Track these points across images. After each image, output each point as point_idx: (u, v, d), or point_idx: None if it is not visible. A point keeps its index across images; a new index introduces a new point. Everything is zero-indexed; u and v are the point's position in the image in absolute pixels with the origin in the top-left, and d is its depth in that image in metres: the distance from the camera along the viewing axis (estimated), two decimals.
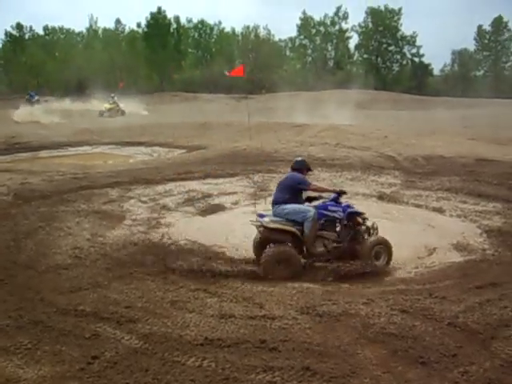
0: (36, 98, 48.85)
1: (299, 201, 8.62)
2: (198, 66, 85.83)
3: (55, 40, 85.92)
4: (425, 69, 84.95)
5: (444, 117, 31.00)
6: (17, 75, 73.09)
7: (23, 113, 40.80)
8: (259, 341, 5.49)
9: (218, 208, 12.50)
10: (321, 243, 8.52)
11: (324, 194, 9.11)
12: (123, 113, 42.98)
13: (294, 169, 8.95)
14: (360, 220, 8.81)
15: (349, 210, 8.75)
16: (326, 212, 8.61)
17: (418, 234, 10.44)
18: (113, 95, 44.72)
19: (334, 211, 8.66)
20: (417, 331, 5.75)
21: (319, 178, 15.33)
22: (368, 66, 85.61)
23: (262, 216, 8.55)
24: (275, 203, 8.58)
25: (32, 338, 5.59)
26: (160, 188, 14.10)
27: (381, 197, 13.60)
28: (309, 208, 8.50)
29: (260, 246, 8.52)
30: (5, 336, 5.68)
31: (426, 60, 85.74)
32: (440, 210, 12.30)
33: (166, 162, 19.05)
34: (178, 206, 12.51)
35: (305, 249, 8.51)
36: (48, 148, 25.87)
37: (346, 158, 18.18)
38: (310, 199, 8.94)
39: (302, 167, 8.91)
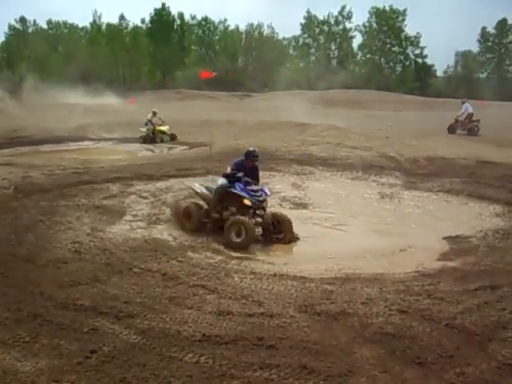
0: None
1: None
2: (201, 63, 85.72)
3: (59, 34, 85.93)
4: (428, 70, 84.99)
5: (446, 118, 30.82)
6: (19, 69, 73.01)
7: None
8: (257, 338, 5.51)
9: None
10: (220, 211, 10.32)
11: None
12: (174, 137, 27.25)
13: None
14: (247, 202, 9.92)
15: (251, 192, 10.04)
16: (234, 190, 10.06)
17: (417, 235, 10.44)
18: (155, 110, 28.04)
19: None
20: (414, 332, 5.77)
21: (320, 177, 15.37)
22: (371, 66, 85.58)
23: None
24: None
25: (30, 332, 5.62)
26: (161, 184, 14.10)
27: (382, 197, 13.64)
28: (222, 182, 10.24)
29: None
30: (3, 329, 5.71)
31: (429, 61, 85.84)
32: (439, 212, 12.31)
33: (168, 158, 19.06)
34: (178, 202, 12.50)
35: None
36: (49, 142, 25.84)
37: (347, 157, 18.18)
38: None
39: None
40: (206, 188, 10.73)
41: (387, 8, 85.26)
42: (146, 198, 12.77)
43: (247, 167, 10.32)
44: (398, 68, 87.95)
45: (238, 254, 8.80)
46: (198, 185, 11.01)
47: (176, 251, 8.79)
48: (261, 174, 15.30)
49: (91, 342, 5.41)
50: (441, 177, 15.28)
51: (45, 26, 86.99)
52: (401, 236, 10.43)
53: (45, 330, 5.67)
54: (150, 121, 26.98)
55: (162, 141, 26.73)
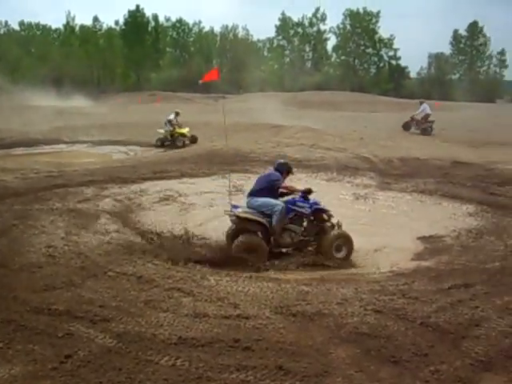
0: None
1: (273, 196, 9.24)
2: (175, 65, 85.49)
3: (31, 36, 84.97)
4: (402, 71, 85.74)
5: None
6: None
7: None
8: (233, 340, 5.51)
9: (192, 206, 12.50)
10: (288, 235, 9.28)
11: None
12: (195, 139, 25.71)
13: (275, 169, 9.69)
14: (325, 216, 9.53)
15: (315, 206, 9.43)
16: (293, 207, 9.31)
17: (392, 235, 10.53)
18: (178, 111, 26.86)
19: (302, 207, 9.35)
20: (389, 331, 5.82)
21: (294, 179, 15.40)
22: (345, 68, 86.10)
23: (235, 207, 9.20)
24: (250, 195, 9.37)
25: (4, 338, 5.54)
26: (135, 187, 14.05)
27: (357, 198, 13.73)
28: (278, 202, 9.16)
29: (232, 235, 9.18)
30: None
31: (403, 63, 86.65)
32: (413, 212, 12.43)
33: (143, 161, 18.99)
34: (153, 204, 12.46)
35: (272, 239, 9.13)
36: (22, 145, 25.54)
37: (321, 159, 18.29)
38: (282, 195, 9.54)
39: (282, 169, 9.61)
40: (257, 214, 9.13)
41: (361, 10, 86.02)
42: (120, 201, 12.70)
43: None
44: (372, 70, 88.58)
45: (213, 256, 8.77)
46: (241, 210, 9.19)
47: (151, 254, 8.75)
48: (235, 175, 15.48)
49: (66, 347, 5.36)
50: (415, 177, 15.45)
51: (17, 28, 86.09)
52: (375, 236, 10.52)
53: (19, 336, 5.61)
54: (170, 121, 25.13)
55: (183, 145, 24.65)
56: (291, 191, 9.63)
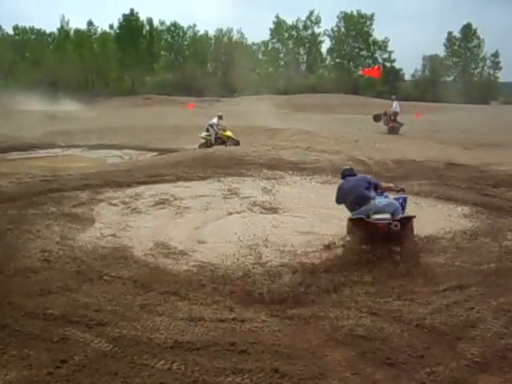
0: None
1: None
2: (170, 69, 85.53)
3: (25, 40, 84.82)
4: (396, 74, 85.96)
5: (414, 121, 31.31)
6: None
7: None
8: (228, 343, 5.52)
9: (187, 210, 12.48)
10: None
11: None
12: (238, 143, 25.00)
13: (347, 175, 9.65)
14: None
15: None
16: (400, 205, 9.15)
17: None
18: (221, 114, 26.32)
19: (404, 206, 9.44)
20: (385, 333, 5.83)
21: (291, 182, 15.42)
22: (340, 71, 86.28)
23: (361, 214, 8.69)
24: (361, 200, 8.91)
25: None
26: (130, 191, 14.01)
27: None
28: (392, 201, 9.10)
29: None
30: None
31: (397, 65, 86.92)
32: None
33: (137, 165, 18.95)
34: (148, 208, 12.44)
35: None
36: (17, 150, 25.53)
37: (316, 161, 18.28)
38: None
39: (353, 173, 9.70)
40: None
41: (355, 13, 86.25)
42: (115, 205, 12.66)
43: None
44: None
45: (208, 260, 8.77)
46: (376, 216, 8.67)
47: (146, 258, 8.75)
48: (230, 178, 15.47)
49: (61, 352, 5.35)
50: (410, 179, 15.43)
51: (11, 32, 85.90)
52: None
53: (14, 341, 5.59)
54: (213, 125, 24.78)
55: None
56: (387, 189, 9.84)
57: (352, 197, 9.07)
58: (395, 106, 29.64)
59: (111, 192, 13.79)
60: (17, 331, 5.81)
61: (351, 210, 9.10)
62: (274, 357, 5.29)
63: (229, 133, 25.09)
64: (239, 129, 28.39)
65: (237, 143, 24.82)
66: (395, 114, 29.11)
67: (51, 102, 51.40)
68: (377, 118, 29.77)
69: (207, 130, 24.77)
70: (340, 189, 9.50)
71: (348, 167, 10.07)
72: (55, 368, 5.05)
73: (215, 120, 25.08)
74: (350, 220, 9.02)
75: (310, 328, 5.98)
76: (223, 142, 24.69)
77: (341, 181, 9.86)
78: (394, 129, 28.47)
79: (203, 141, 24.62)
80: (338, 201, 9.47)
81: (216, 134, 24.63)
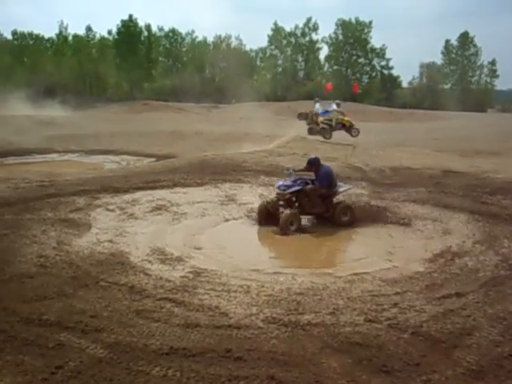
0: None
1: None
2: (168, 75, 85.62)
3: (24, 45, 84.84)
4: (394, 81, 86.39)
5: (411, 128, 31.39)
6: None
7: None
8: (225, 350, 5.51)
9: (184, 216, 12.47)
10: None
11: None
12: (356, 131, 27.50)
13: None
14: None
15: None
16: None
17: (382, 246, 10.51)
18: (339, 101, 29.05)
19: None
20: (381, 340, 5.84)
21: None
22: (338, 78, 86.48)
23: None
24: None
25: None
26: (128, 197, 13.99)
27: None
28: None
29: None
30: None
31: (394, 72, 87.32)
32: (406, 221, 12.44)
33: (135, 171, 18.92)
34: (145, 214, 12.43)
35: None
36: (14, 155, 25.51)
37: None
38: None
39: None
40: None
41: (353, 20, 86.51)
42: (112, 210, 12.65)
43: (315, 172, 12.15)
44: (365, 79, 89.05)
45: (205, 267, 8.76)
46: None
47: (143, 264, 8.73)
48: (228, 185, 15.46)
49: (57, 358, 5.34)
50: (407, 186, 15.45)
51: (9, 37, 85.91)
52: (365, 245, 10.55)
53: (8, 347, 5.58)
54: (329, 111, 27.24)
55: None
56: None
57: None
58: (317, 107, 30.04)
59: (108, 198, 13.77)
60: (12, 337, 5.79)
61: None
62: (270, 364, 5.28)
63: (347, 118, 27.12)
64: (236, 135, 28.43)
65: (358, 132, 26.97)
66: (317, 115, 29.57)
67: (48, 107, 51.37)
68: (300, 117, 30.26)
69: (309, 118, 27.48)
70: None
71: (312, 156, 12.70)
72: (50, 374, 5.04)
73: (334, 106, 27.37)
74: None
75: (307, 335, 5.97)
76: (344, 126, 27.07)
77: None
78: (312, 130, 28.80)
79: (316, 127, 27.02)
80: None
81: (337, 118, 26.83)
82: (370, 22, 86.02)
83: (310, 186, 11.86)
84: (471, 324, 6.28)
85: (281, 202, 11.88)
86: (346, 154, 21.46)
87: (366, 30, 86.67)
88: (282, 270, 8.72)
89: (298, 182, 11.94)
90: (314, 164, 12.18)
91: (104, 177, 16.85)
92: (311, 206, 11.88)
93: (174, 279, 7.97)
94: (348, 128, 27.31)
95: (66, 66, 75.48)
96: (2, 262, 8.47)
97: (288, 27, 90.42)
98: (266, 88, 79.17)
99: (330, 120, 27.14)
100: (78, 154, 26.61)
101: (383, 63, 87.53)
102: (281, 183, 12.06)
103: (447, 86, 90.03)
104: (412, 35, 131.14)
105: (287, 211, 11.44)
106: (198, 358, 5.38)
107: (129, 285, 7.60)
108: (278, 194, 11.90)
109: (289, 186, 11.81)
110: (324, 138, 27.29)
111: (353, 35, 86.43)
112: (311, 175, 12.18)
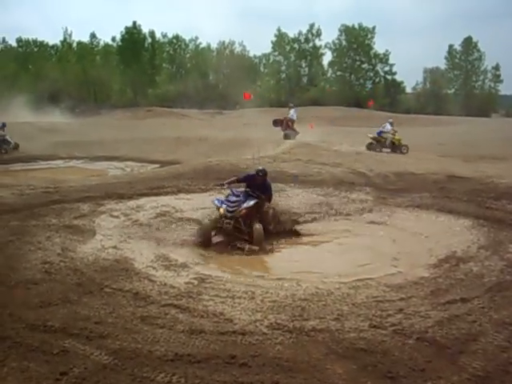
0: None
1: None
2: (172, 81, 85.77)
3: (28, 52, 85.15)
4: (397, 86, 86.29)
5: (415, 134, 31.33)
6: None
7: None
8: (229, 356, 5.50)
9: (188, 222, 12.47)
10: None
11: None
12: (406, 148, 27.51)
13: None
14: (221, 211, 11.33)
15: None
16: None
17: (389, 251, 10.51)
18: (391, 120, 29.97)
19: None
20: (386, 346, 5.82)
21: (292, 194, 15.41)
22: (341, 83, 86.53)
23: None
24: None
25: None
26: (132, 203, 14.01)
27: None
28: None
29: None
30: None
31: (398, 78, 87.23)
32: (409, 227, 12.42)
33: (139, 177, 18.94)
34: (149, 220, 12.43)
35: None
36: (19, 161, 25.60)
37: (318, 174, 18.27)
38: None
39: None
40: None
41: (356, 26, 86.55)
42: (117, 217, 12.66)
43: (257, 183, 11.79)
44: (368, 85, 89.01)
45: (209, 272, 8.77)
46: None
47: (147, 270, 8.74)
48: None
49: (61, 364, 5.33)
50: (411, 192, 15.42)
51: (14, 44, 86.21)
52: (370, 250, 10.53)
53: (13, 353, 5.58)
54: (384, 132, 28.33)
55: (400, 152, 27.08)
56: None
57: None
58: (292, 113, 30.46)
59: (112, 204, 13.78)
60: (17, 343, 5.79)
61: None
62: (275, 370, 5.27)
63: (398, 137, 28.16)
64: (241, 141, 28.42)
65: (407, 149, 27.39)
66: (292, 121, 30.03)
67: (52, 113, 51.56)
68: (275, 123, 30.75)
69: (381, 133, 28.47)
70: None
71: (260, 167, 12.23)
72: (55, 380, 5.04)
73: (388, 126, 28.57)
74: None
75: (311, 341, 5.96)
76: (394, 145, 27.89)
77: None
78: (288, 135, 29.26)
79: (374, 142, 28.15)
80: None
81: (392, 138, 28.03)
82: (374, 28, 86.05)
83: (264, 197, 11.86)
84: (477, 329, 6.25)
85: (227, 220, 11.05)
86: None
87: (369, 36, 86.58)
88: (287, 276, 8.73)
89: (241, 196, 11.53)
90: (265, 174, 12.02)
91: (108, 183, 16.87)
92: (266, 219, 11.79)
93: (178, 285, 7.97)
94: (397, 147, 27.71)
95: (70, 73, 75.73)
96: (7, 269, 8.49)
97: (291, 33, 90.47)
98: (269, 94, 79.26)
99: (384, 138, 28.17)
100: (82, 161, 26.70)
101: (387, 68, 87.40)
102: (219, 200, 11.60)
103: (451, 91, 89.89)
104: (415, 40, 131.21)
105: (257, 226, 10.95)
106: (203, 365, 5.37)
107: (133, 291, 7.60)
108: (229, 211, 11.11)
109: (237, 202, 11.29)
110: (289, 138, 28.07)
111: (356, 41, 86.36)
112: (241, 186, 12.16)
